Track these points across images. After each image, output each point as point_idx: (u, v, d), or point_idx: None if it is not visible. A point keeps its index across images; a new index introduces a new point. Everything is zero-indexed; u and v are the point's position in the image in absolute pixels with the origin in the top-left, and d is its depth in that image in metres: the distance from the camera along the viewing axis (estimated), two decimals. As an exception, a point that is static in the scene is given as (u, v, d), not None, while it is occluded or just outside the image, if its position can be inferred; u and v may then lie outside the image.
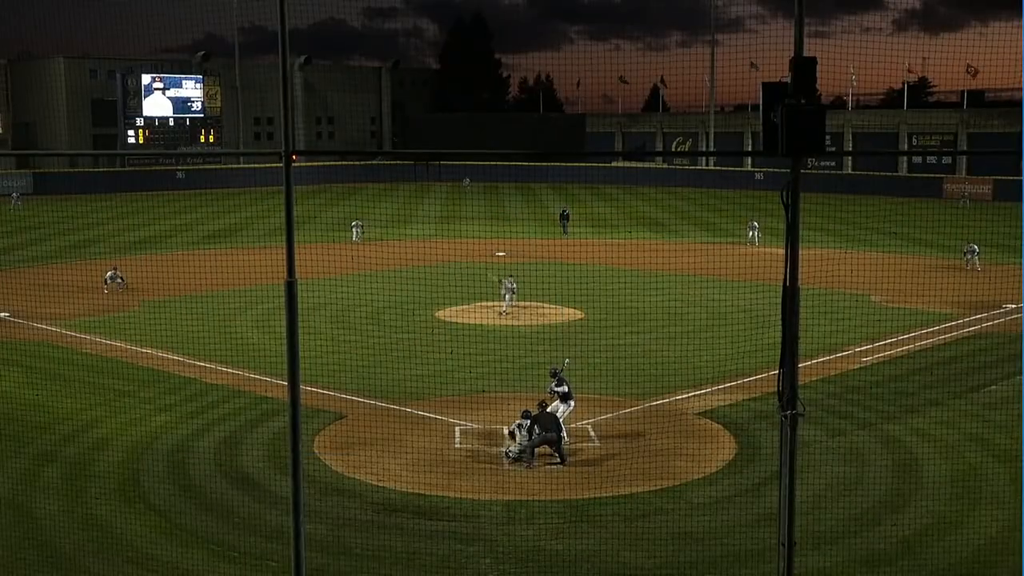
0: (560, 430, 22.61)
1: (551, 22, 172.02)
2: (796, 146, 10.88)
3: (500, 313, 39.03)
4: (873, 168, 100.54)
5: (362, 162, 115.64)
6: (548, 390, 24.59)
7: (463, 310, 39.73)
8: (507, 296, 39.64)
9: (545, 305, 39.61)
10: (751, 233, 59.83)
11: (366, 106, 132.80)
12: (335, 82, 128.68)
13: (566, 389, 24.38)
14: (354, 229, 60.86)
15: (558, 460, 22.45)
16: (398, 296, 41.25)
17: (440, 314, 39.50)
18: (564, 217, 67.48)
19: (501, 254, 53.08)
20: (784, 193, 11.25)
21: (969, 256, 49.20)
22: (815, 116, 10.92)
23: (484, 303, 40.27)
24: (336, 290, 39.88)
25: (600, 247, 51.15)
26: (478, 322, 37.75)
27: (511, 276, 40.49)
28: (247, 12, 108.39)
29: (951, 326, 36.74)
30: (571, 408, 24.22)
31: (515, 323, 37.96)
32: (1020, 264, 47.96)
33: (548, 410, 23.18)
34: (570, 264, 46.00)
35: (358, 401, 27.28)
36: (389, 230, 66.30)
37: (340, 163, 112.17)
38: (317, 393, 26.53)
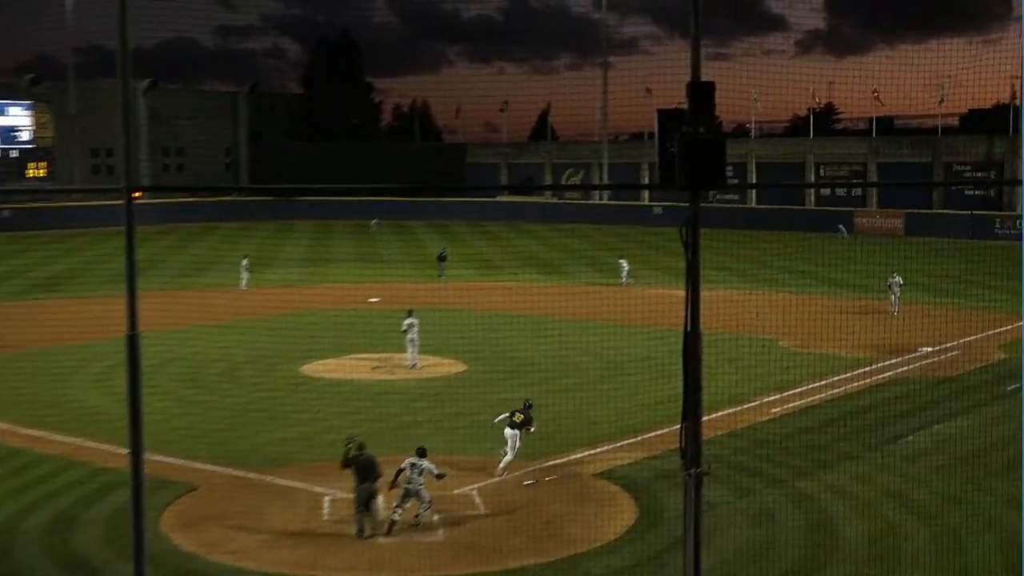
0: (378, 478, 22.39)
1: (428, 42, 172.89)
2: (695, 179, 10.97)
3: (410, 367, 38.66)
4: (779, 201, 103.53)
5: (216, 198, 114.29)
6: (526, 427, 26.48)
7: (332, 364, 39.35)
8: (411, 346, 38.91)
9: (424, 357, 39.46)
10: (622, 273, 61.36)
11: (220, 135, 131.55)
12: (185, 108, 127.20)
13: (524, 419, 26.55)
14: (244, 273, 59.84)
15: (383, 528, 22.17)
16: (257, 349, 40.71)
17: (305, 369, 39.06)
18: (441, 259, 67.69)
19: (374, 300, 52.88)
20: (683, 230, 11.33)
21: (894, 289, 50.52)
22: (714, 145, 11.00)
23: (355, 355, 39.92)
24: (186, 344, 39.31)
25: (484, 291, 51.29)
26: (348, 377, 37.41)
27: (411, 319, 38.89)
28: (84, 29, 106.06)
29: (865, 372, 37.51)
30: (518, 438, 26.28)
31: (390, 377, 37.69)
32: (935, 303, 49.58)
33: (507, 431, 25.63)
34: (451, 310, 46.02)
35: (212, 470, 26.71)
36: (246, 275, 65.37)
37: (191, 200, 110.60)
38: (164, 462, 25.82)
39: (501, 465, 26.19)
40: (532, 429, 26.62)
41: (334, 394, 34.66)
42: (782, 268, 66.78)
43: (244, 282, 59.75)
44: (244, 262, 61.31)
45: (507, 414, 26.66)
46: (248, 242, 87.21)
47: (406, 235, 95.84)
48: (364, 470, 22.42)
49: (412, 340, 38.71)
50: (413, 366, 38.61)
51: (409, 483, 22.49)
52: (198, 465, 26.93)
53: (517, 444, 26.42)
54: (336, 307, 48.49)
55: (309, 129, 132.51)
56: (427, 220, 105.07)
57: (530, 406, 27.06)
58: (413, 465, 22.68)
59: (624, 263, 62.10)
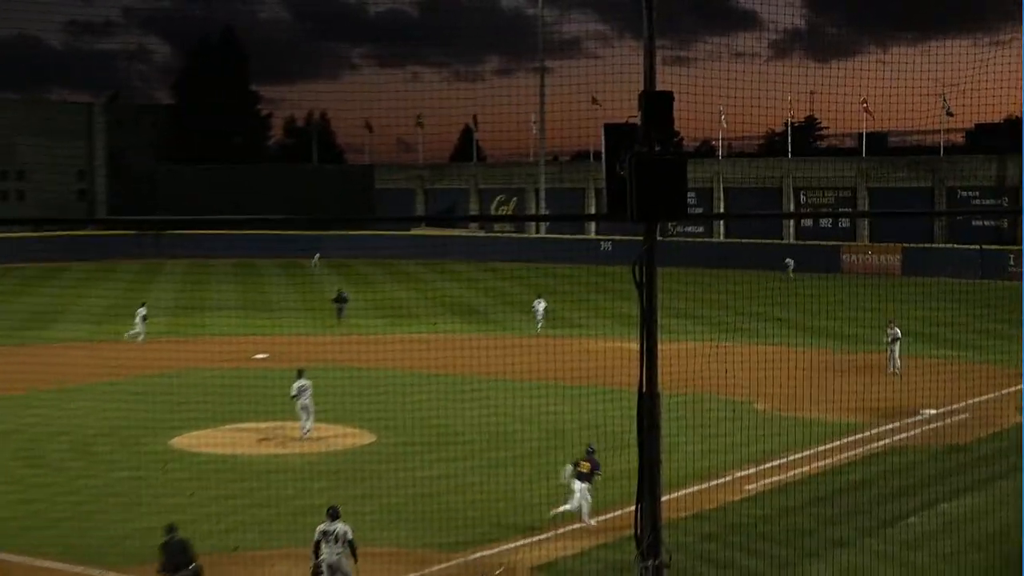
0: (191, 564, 22.60)
1: (327, 42, 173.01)
2: (650, 208, 10.92)
3: (301, 437, 38.75)
4: (753, 234, 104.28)
5: (65, 232, 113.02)
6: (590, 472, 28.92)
7: (209, 436, 38.81)
8: (304, 413, 39.01)
9: (322, 426, 39.07)
10: (537, 316, 62.69)
11: (71, 156, 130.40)
12: (26, 123, 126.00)
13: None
14: (138, 325, 60.36)
15: None
16: (116, 419, 40.14)
17: (176, 442, 38.54)
18: (340, 299, 67.83)
19: (261, 356, 52.41)
20: (636, 269, 11.28)
21: (892, 342, 50.86)
22: (673, 167, 10.97)
23: (238, 425, 39.49)
24: (26, 412, 38.63)
25: (395, 345, 50.97)
26: (230, 451, 36.93)
27: (302, 381, 39.33)
28: None
29: (857, 440, 37.57)
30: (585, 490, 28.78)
31: (281, 451, 37.30)
32: (939, 357, 49.94)
33: (576, 485, 28.49)
34: (356, 368, 45.63)
35: (59, 570, 26.09)
36: (102, 327, 64.69)
37: (34, 235, 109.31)
38: (1, 561, 25.23)
39: (556, 511, 28.88)
40: (599, 475, 28.87)
41: (212, 473, 34.03)
42: (757, 315, 67.16)
43: (141, 335, 60.05)
44: (141, 310, 61.72)
45: (571, 465, 29.09)
46: (106, 286, 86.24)
47: (300, 276, 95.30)
48: (173, 556, 22.68)
49: (305, 407, 38.71)
50: (305, 435, 38.57)
51: (321, 557, 22.90)
52: (42, 563, 26.27)
53: (588, 497, 28.73)
54: (214, 365, 48.01)
55: (181, 148, 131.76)
56: (326, 258, 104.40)
57: (593, 451, 29.51)
58: (325, 533, 22.99)
59: (540, 304, 62.85)
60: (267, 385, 41.76)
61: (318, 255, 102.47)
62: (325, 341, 56.19)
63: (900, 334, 51.37)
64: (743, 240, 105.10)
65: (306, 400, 38.74)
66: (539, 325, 62.26)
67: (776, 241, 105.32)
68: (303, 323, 65.85)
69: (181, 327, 66.12)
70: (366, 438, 38.46)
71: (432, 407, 40.92)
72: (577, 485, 28.56)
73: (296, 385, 38.96)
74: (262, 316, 70.63)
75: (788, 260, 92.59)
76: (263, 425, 39.69)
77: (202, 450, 37.49)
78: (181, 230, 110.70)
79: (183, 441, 38.64)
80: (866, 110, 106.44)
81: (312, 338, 59.12)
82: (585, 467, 28.79)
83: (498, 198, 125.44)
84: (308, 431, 38.72)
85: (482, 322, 68.36)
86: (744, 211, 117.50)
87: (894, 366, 50.40)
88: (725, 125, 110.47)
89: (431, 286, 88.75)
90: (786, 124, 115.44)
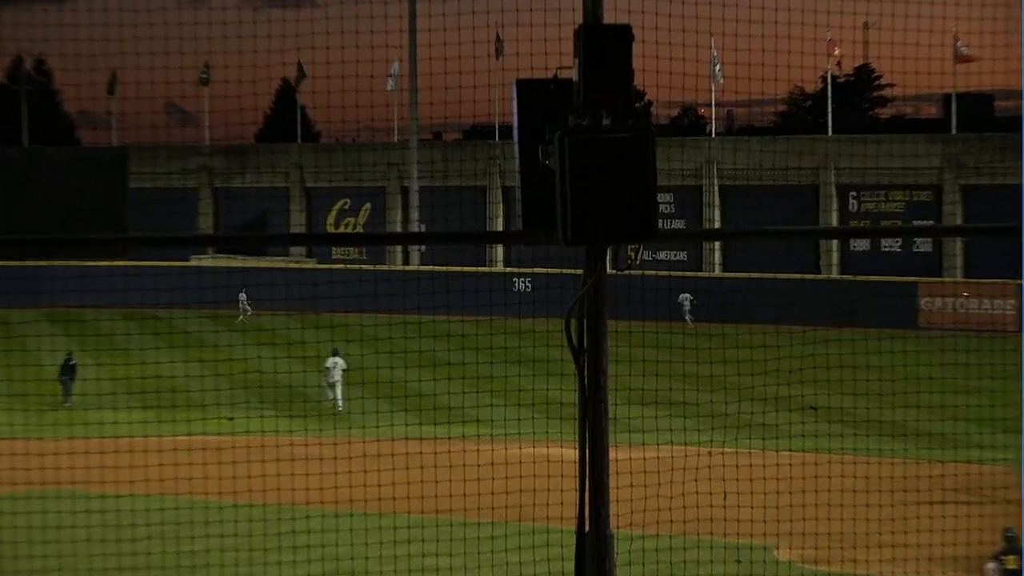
0: None
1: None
2: (595, 221, 8.37)
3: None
4: (770, 264, 68.23)
5: None
6: None
7: None
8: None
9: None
10: (330, 379, 48.01)
11: None
12: None
13: None
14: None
15: None
16: None
17: None
18: (67, 369, 50.72)
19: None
20: (572, 323, 8.63)
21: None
22: (634, 153, 8.29)
23: None
24: None
25: (165, 454, 39.29)
26: None
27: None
28: None
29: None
30: None
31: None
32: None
33: None
34: (93, 497, 32.94)
35: None
36: None
37: None
38: None
39: None
40: None
41: None
42: (778, 399, 49.66)
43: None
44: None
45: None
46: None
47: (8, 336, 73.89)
48: None
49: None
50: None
51: None
52: None
53: None
54: None
55: None
56: (42, 306, 79.70)
57: None
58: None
59: (337, 363, 47.55)
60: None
61: (244, 296, 71.62)
62: (44, 450, 42.27)
63: None
64: (753, 275, 68.07)
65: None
66: (332, 391, 47.96)
67: (809, 277, 69.96)
68: (14, 417, 49.91)
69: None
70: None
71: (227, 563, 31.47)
72: None
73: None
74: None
75: (685, 297, 65.71)
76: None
77: None
78: None
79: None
80: (960, 52, 70.68)
81: (29, 442, 44.14)
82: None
83: (340, 204, 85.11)
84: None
85: (312, 414, 50.17)
86: (753, 226, 66.15)
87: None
88: (721, 81, 74.79)
89: (225, 352, 65.81)
90: (824, 80, 78.10)
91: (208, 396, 46.97)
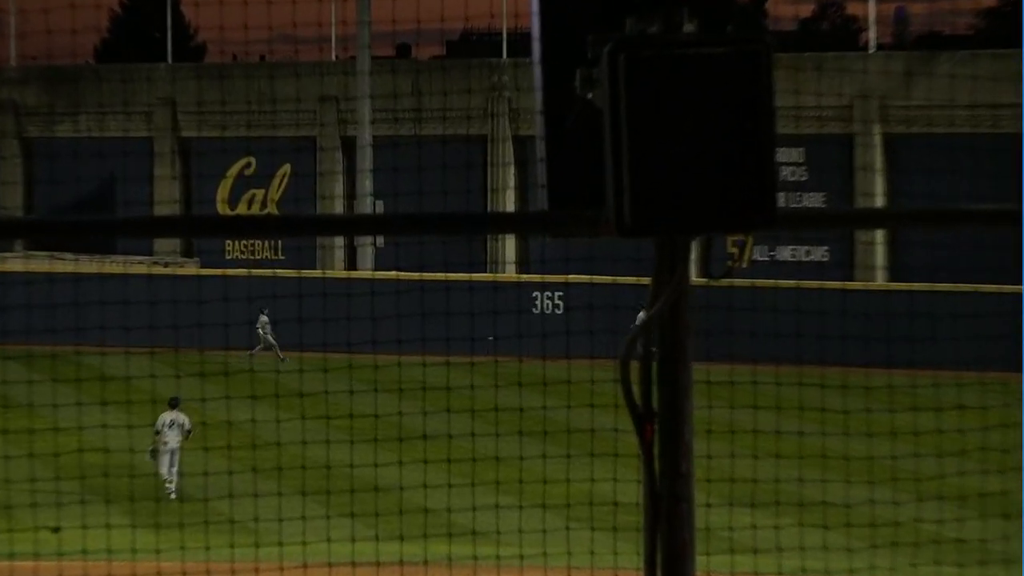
0: None
1: None
2: (667, 201, 5.59)
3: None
4: (966, 267, 48.46)
5: None
6: None
7: None
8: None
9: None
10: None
11: None
12: None
13: None
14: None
15: None
16: None
17: None
18: None
19: None
20: (630, 367, 5.77)
21: None
22: (740, 79, 5.63)
23: None
24: None
25: None
26: None
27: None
28: None
29: None
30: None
31: None
32: None
33: None
34: None
35: None
36: None
37: None
38: None
39: None
40: None
41: None
42: (978, 500, 36.54)
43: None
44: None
45: None
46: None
47: None
48: None
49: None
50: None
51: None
52: None
53: None
54: None
55: None
56: None
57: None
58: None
59: (176, 421, 37.40)
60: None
61: (266, 319, 53.18)
62: None
63: None
64: (940, 287, 49.78)
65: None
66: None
67: (1011, 287, 42.38)
68: None
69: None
70: None
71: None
72: None
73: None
74: None
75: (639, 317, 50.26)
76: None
77: None
78: None
79: None
80: None
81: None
82: None
83: (239, 166, 61.22)
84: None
85: (192, 517, 35.57)
86: (945, 203, 39.05)
87: None
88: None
89: (44, 416, 48.59)
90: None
91: (17, 494, 32.44)
